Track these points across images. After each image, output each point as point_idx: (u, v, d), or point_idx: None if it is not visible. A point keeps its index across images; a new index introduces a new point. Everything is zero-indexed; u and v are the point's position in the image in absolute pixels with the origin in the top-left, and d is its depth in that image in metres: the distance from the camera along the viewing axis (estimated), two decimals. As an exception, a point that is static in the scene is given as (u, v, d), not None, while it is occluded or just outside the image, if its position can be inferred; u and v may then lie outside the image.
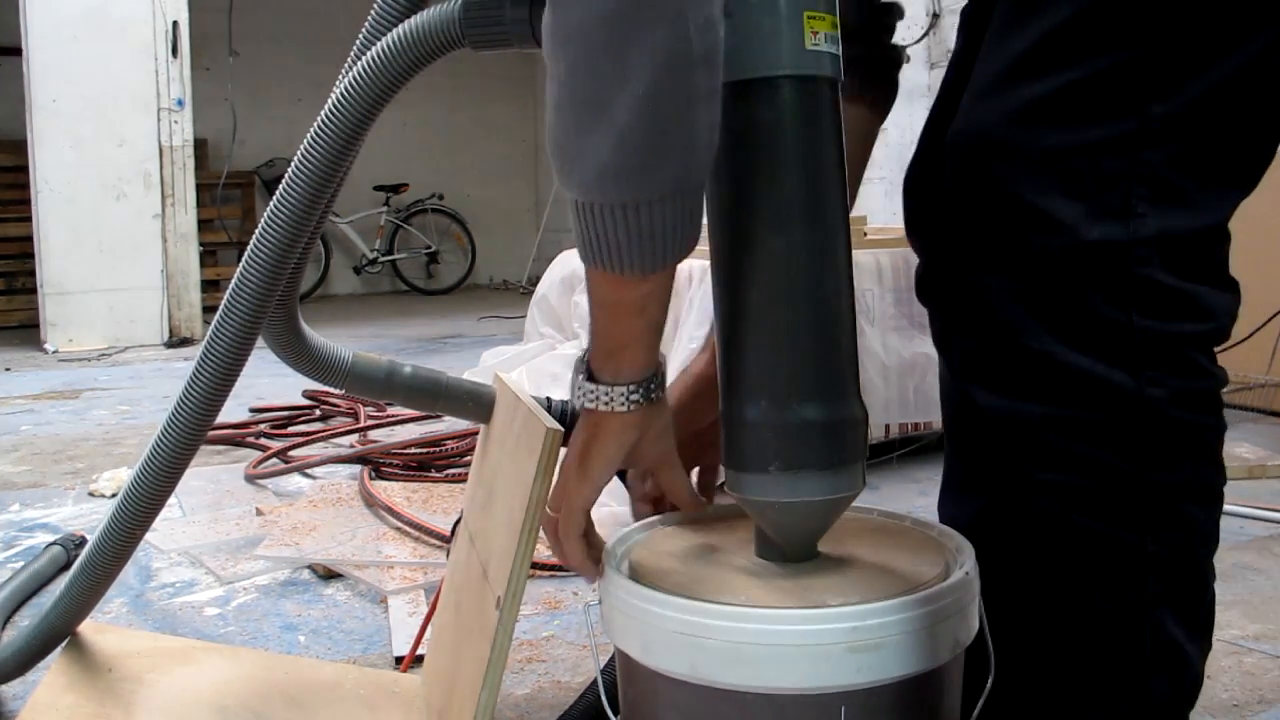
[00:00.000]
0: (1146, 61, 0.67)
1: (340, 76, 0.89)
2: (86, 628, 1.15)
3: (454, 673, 1.03)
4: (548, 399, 0.99)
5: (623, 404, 0.83)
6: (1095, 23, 0.68)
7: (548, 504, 0.92)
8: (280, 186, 0.90)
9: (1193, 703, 0.74)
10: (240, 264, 0.91)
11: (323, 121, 0.87)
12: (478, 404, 1.11)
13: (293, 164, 0.89)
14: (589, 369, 0.85)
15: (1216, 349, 0.73)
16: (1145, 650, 0.70)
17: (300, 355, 1.03)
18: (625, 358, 0.83)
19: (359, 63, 0.85)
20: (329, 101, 0.87)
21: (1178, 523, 0.70)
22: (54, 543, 1.72)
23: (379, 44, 0.84)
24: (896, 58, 1.00)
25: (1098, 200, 0.68)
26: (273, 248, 0.89)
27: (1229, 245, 0.72)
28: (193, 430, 0.96)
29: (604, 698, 0.91)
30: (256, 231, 0.90)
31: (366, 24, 0.90)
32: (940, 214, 0.77)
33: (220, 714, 1.02)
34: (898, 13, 1.00)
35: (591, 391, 0.84)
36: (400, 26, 0.83)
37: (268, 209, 0.90)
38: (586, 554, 0.87)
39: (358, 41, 0.91)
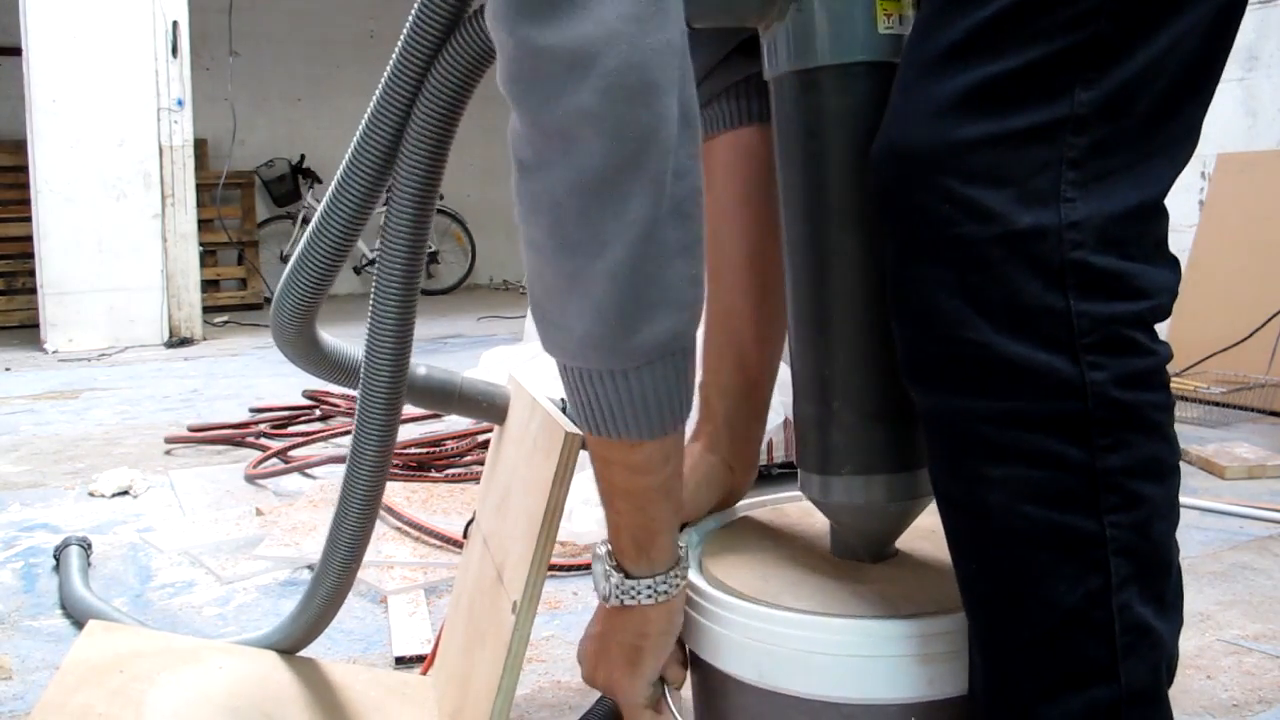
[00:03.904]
0: (1077, 51, 0.67)
1: (380, 85, 0.86)
2: (96, 627, 1.14)
3: (467, 676, 1.02)
4: (562, 400, 0.99)
5: (665, 591, 0.81)
6: (1025, 15, 0.67)
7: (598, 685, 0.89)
8: (391, 204, 0.89)
9: (1170, 681, 0.74)
10: (392, 255, 0.91)
11: (422, 119, 0.84)
12: (492, 405, 1.11)
13: (402, 174, 0.86)
14: (619, 564, 0.82)
15: (1169, 327, 0.73)
16: (1114, 635, 0.69)
17: (313, 358, 1.02)
18: (657, 546, 0.81)
19: (438, 62, 0.82)
20: (423, 98, 0.84)
21: (1133, 502, 0.69)
22: (64, 546, 1.71)
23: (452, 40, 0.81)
24: None
25: (1026, 187, 0.67)
26: (406, 240, 0.89)
27: (1167, 222, 0.72)
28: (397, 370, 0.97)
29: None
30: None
31: (408, 24, 0.86)
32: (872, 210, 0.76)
33: (232, 715, 1.02)
34: None
35: (633, 588, 0.81)
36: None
37: (390, 224, 0.89)
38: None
39: (399, 43, 0.86)
